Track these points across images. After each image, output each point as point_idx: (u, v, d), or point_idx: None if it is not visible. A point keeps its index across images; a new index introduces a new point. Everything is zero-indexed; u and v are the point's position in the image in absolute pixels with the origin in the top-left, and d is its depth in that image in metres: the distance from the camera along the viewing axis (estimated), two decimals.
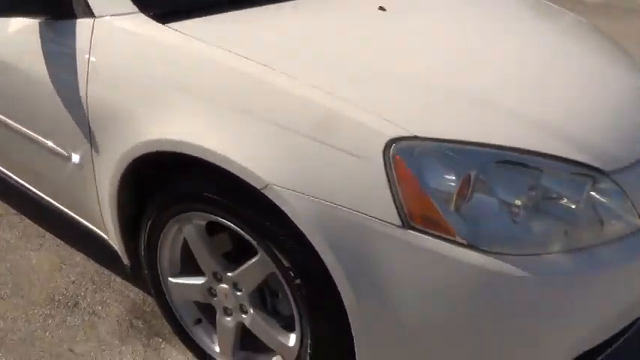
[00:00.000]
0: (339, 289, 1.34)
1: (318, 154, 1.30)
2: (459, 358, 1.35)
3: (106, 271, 2.06)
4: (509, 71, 1.61)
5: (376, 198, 1.26)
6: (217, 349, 1.70)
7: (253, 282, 1.53)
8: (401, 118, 1.29)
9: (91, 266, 2.08)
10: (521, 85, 1.56)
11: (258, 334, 1.59)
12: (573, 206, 1.33)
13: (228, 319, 1.63)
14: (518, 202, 1.28)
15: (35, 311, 1.91)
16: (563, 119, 1.46)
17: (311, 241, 1.33)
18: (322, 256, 1.33)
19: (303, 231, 1.33)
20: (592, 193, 1.35)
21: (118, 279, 2.03)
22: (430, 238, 1.24)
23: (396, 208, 1.25)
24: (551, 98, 1.53)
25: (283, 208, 1.33)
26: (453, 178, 1.24)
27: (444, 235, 1.24)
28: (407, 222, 1.25)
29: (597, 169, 1.36)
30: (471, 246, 1.23)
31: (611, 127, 1.52)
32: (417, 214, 1.25)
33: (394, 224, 1.25)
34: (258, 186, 1.34)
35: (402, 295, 1.30)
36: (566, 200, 1.33)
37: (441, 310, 1.29)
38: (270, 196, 1.34)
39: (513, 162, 1.29)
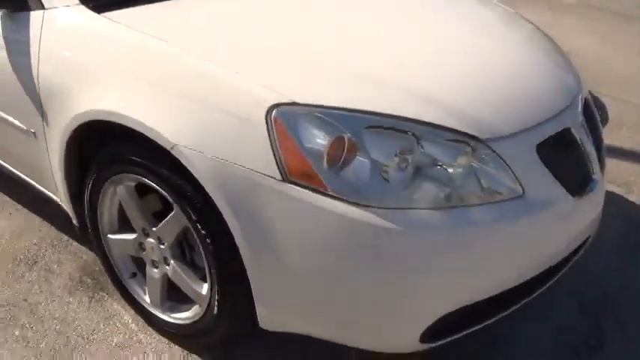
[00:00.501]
0: (235, 239, 1.56)
1: (214, 118, 1.53)
2: (341, 303, 1.55)
3: (65, 236, 2.30)
4: (403, 50, 1.81)
5: (261, 155, 1.48)
6: (148, 299, 1.92)
7: (172, 235, 1.76)
8: (284, 87, 1.51)
9: (52, 232, 2.33)
10: (411, 62, 1.76)
11: (178, 283, 1.82)
12: (450, 170, 1.53)
13: (155, 270, 1.86)
14: (389, 163, 1.48)
15: None
16: (448, 92, 1.65)
17: (211, 195, 1.55)
18: (220, 210, 1.55)
19: (204, 186, 1.55)
20: (471, 159, 1.54)
21: (75, 243, 2.27)
22: (305, 190, 1.46)
23: (277, 164, 1.46)
24: (439, 74, 1.73)
25: (187, 166, 1.55)
26: (325, 139, 1.45)
27: (317, 188, 1.45)
28: (286, 176, 1.46)
29: (474, 137, 1.55)
30: (340, 198, 1.44)
31: (493, 100, 1.70)
32: (295, 170, 1.46)
33: (276, 178, 1.47)
34: (167, 146, 1.57)
35: (285, 243, 1.51)
36: (442, 164, 1.53)
37: (319, 257, 1.50)
38: (177, 156, 1.56)
39: (385, 127, 1.50)
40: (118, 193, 1.83)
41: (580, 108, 1.91)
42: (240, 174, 1.51)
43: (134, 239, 1.87)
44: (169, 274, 1.82)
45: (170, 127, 1.57)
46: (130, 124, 1.63)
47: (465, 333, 1.68)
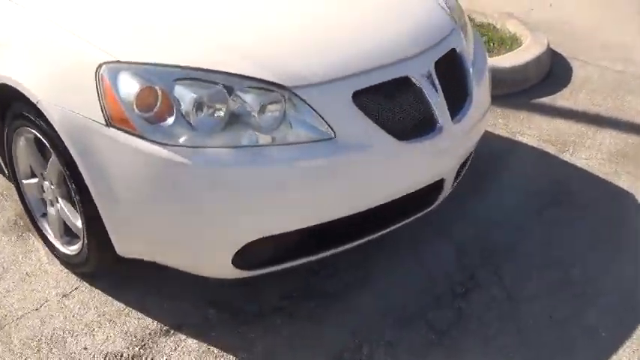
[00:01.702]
0: (84, 179, 1.86)
1: (63, 74, 1.85)
2: (165, 232, 1.83)
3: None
4: (231, 8, 2.02)
5: (93, 105, 1.78)
6: (51, 235, 2.27)
7: (55, 177, 2.09)
8: (113, 48, 1.80)
9: (4, 182, 2.69)
10: (234, 18, 1.97)
11: (65, 219, 2.15)
12: (260, 115, 1.76)
13: (52, 208, 2.20)
14: (194, 110, 1.72)
15: None
16: (262, 45, 1.87)
17: (65, 142, 1.85)
18: (71, 153, 1.85)
19: (60, 134, 1.86)
20: (282, 105, 1.76)
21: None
22: (122, 133, 1.74)
23: (102, 112, 1.75)
24: (259, 27, 1.94)
25: (48, 118, 1.87)
26: (135, 89, 1.73)
27: (130, 131, 1.73)
28: (109, 122, 1.75)
29: (281, 86, 1.77)
30: (149, 139, 1.72)
31: (306, 51, 1.90)
32: (114, 116, 1.76)
33: (102, 124, 1.75)
34: (34, 101, 1.89)
35: (115, 180, 1.81)
36: (252, 111, 1.76)
37: (139, 191, 1.79)
38: (42, 109, 1.89)
39: (192, 78, 1.74)
40: (22, 144, 2.19)
41: (431, 59, 2.04)
42: (82, 122, 1.81)
43: (37, 183, 2.23)
44: (59, 210, 2.16)
45: (35, 85, 1.90)
46: (12, 84, 1.97)
47: (284, 265, 1.91)
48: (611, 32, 4.35)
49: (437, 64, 2.08)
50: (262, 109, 1.77)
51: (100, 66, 1.76)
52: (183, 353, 1.96)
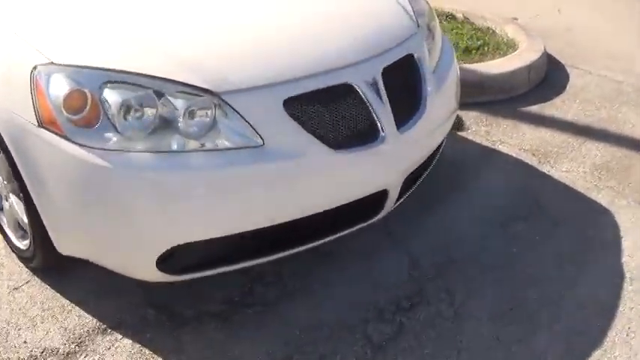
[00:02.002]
0: (23, 177, 1.89)
1: (7, 74, 1.88)
2: (93, 232, 1.84)
3: None
4: (160, 14, 2.01)
5: (28, 106, 1.81)
6: (8, 229, 2.32)
7: (5, 173, 2.13)
8: (49, 49, 1.82)
9: None
10: (164, 25, 1.96)
11: (15, 215, 2.19)
12: (183, 120, 1.76)
13: (6, 203, 2.25)
14: (120, 113, 1.73)
15: None
16: (191, 48, 1.86)
17: (5, 141, 1.89)
18: (11, 152, 1.88)
19: (1, 133, 1.90)
20: (210, 110, 1.76)
21: None
22: (51, 134, 1.76)
23: (35, 113, 1.78)
24: (190, 34, 1.93)
25: None
26: (65, 92, 1.74)
27: (58, 133, 1.75)
28: (40, 123, 1.78)
29: (208, 91, 1.76)
30: (75, 142, 1.74)
31: (237, 55, 1.88)
32: (44, 117, 1.78)
33: (35, 124, 1.78)
34: None
35: (46, 179, 1.83)
36: (177, 114, 1.76)
37: (67, 192, 1.82)
38: None
39: (121, 82, 1.75)
40: None
41: (379, 66, 2.00)
42: (19, 122, 1.84)
43: None
44: (11, 206, 2.21)
45: None
46: None
47: (212, 271, 1.91)
48: (617, 42, 4.22)
49: (388, 69, 2.05)
50: (191, 115, 1.77)
51: (35, 67, 1.78)
52: (117, 352, 1.98)
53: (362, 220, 2.12)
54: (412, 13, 2.31)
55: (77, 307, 2.13)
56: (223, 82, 1.80)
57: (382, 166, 2.01)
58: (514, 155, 3.00)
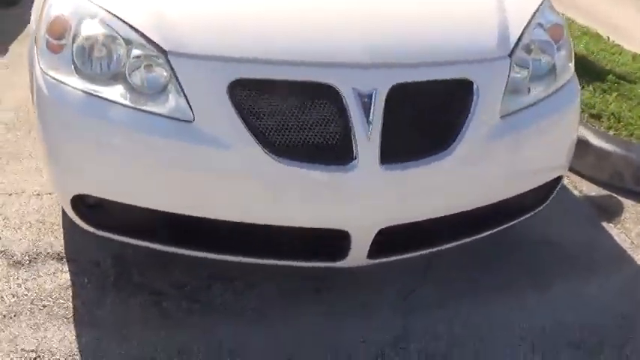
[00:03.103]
0: None
1: None
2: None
3: None
4: None
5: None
6: None
7: None
8: None
9: None
10: None
11: None
12: (128, 70, 1.63)
13: None
14: (83, 46, 1.66)
15: None
16: (174, 12, 1.67)
17: None
18: None
19: None
20: (151, 66, 1.60)
21: None
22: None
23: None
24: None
25: None
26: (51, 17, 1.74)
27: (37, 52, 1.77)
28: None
29: (159, 47, 1.59)
30: (39, 62, 1.73)
31: (201, 21, 1.66)
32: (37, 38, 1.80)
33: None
34: None
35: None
36: (129, 65, 1.62)
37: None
38: None
39: (100, 20, 1.67)
40: None
41: (393, 78, 1.57)
42: None
43: None
44: None
45: None
46: None
47: (133, 240, 1.74)
48: None
49: (414, 87, 1.58)
50: (137, 66, 1.62)
51: None
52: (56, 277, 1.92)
53: (319, 258, 1.69)
54: (509, 35, 1.72)
55: None
56: (175, 43, 1.60)
57: (341, 201, 1.56)
58: None
